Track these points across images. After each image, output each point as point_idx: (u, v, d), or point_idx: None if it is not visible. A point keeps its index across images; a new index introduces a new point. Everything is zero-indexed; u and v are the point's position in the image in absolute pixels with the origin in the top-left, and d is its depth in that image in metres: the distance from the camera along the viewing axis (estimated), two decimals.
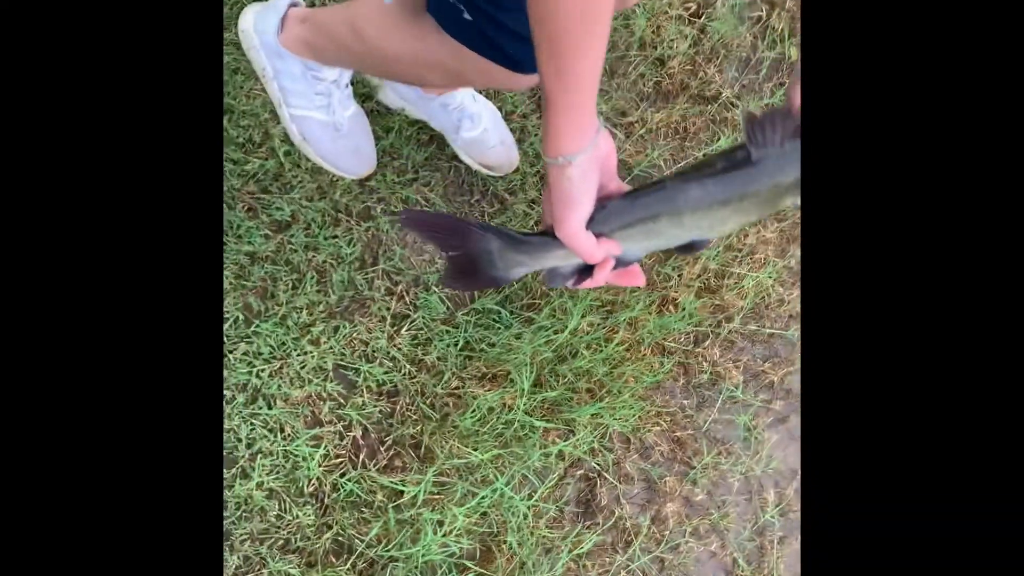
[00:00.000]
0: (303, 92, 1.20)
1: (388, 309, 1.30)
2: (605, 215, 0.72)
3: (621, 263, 0.75)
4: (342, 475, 1.22)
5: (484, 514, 1.29)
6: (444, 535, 1.23)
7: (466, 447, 1.27)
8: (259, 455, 1.18)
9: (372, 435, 1.26)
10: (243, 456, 1.18)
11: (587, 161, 0.68)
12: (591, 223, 0.72)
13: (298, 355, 1.22)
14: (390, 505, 1.22)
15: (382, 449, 1.26)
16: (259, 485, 1.17)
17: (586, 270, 0.75)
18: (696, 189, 0.70)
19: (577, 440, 1.37)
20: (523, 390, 1.33)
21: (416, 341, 1.30)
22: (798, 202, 0.70)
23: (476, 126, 1.34)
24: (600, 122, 0.69)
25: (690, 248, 0.75)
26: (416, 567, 1.22)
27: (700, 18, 1.64)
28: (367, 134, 1.29)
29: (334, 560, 1.20)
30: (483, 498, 1.27)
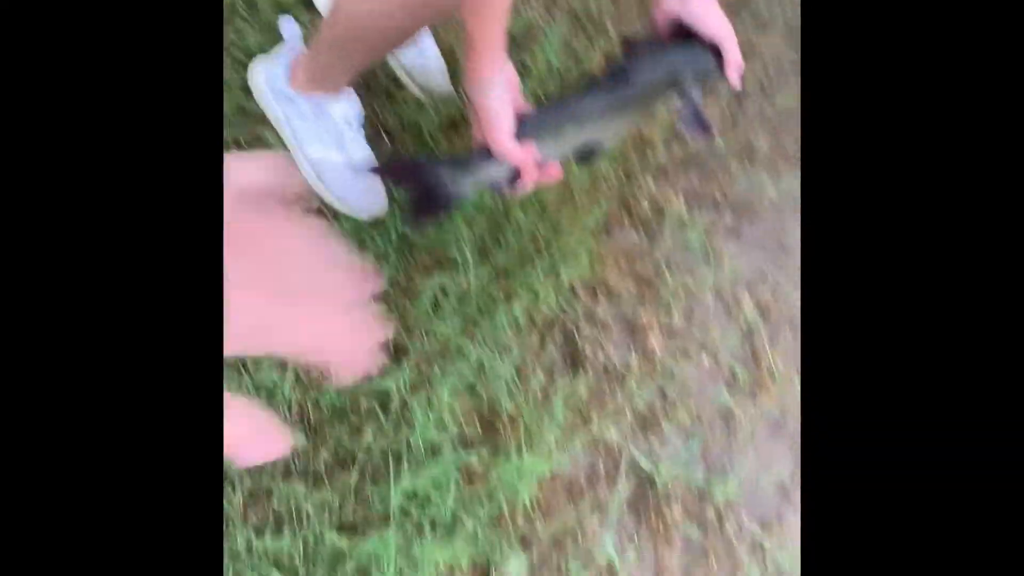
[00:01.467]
0: (315, 131, 1.24)
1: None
2: (524, 128, 0.91)
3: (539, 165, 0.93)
4: (320, 391, 1.22)
5: (473, 389, 1.29)
6: (436, 412, 1.23)
7: (432, 323, 1.27)
8: None
9: None
10: None
11: (502, 83, 0.87)
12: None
13: None
14: (376, 404, 1.22)
15: None
16: None
17: (516, 176, 0.93)
18: (589, 101, 0.92)
19: (539, 293, 1.38)
20: (469, 262, 1.33)
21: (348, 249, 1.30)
22: (671, 102, 0.95)
23: (422, 53, 1.42)
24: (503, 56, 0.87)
25: (589, 152, 0.96)
26: (422, 454, 1.21)
27: None
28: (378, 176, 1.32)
29: (340, 471, 1.19)
30: (463, 370, 1.27)
